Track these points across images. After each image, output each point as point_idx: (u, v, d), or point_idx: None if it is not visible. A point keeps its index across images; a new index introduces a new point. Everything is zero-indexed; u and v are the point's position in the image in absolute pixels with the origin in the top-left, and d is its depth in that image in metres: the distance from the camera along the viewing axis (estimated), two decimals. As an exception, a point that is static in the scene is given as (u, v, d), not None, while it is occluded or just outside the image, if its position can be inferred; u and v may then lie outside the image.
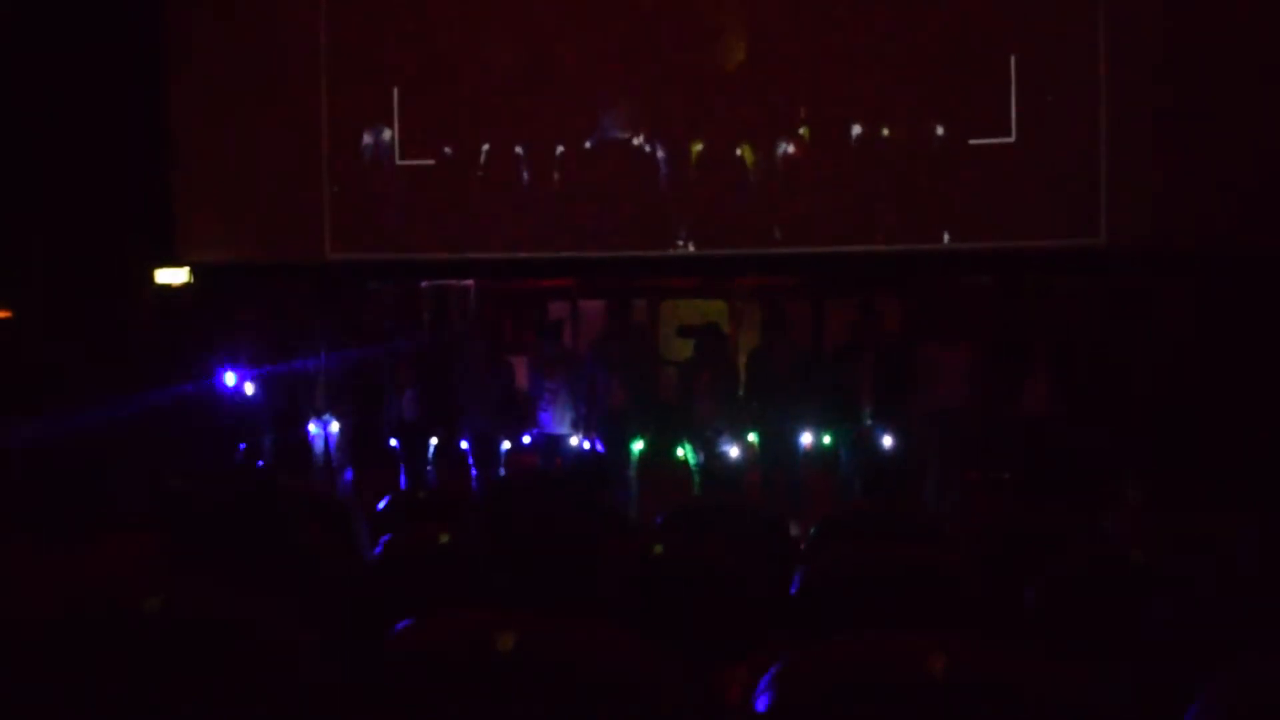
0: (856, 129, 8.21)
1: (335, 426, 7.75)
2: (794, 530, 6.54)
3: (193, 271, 8.83)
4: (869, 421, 7.49)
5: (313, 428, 7.75)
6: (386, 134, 8.73)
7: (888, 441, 7.42)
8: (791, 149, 8.30)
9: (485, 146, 8.62)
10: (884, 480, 7.27)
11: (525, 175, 8.57)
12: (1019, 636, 3.12)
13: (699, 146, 8.41)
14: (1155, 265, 7.65)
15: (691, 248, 8.48)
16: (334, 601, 3.28)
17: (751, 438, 7.57)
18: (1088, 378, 7.34)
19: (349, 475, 7.74)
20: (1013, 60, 7.90)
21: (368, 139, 8.76)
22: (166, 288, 8.77)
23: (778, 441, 7.53)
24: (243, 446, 7.77)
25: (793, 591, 3.43)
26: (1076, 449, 6.95)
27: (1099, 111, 7.78)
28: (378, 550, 4.24)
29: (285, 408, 7.79)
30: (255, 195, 8.75)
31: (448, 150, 8.67)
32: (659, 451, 7.46)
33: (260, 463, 7.59)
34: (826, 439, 7.50)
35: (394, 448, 7.84)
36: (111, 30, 8.33)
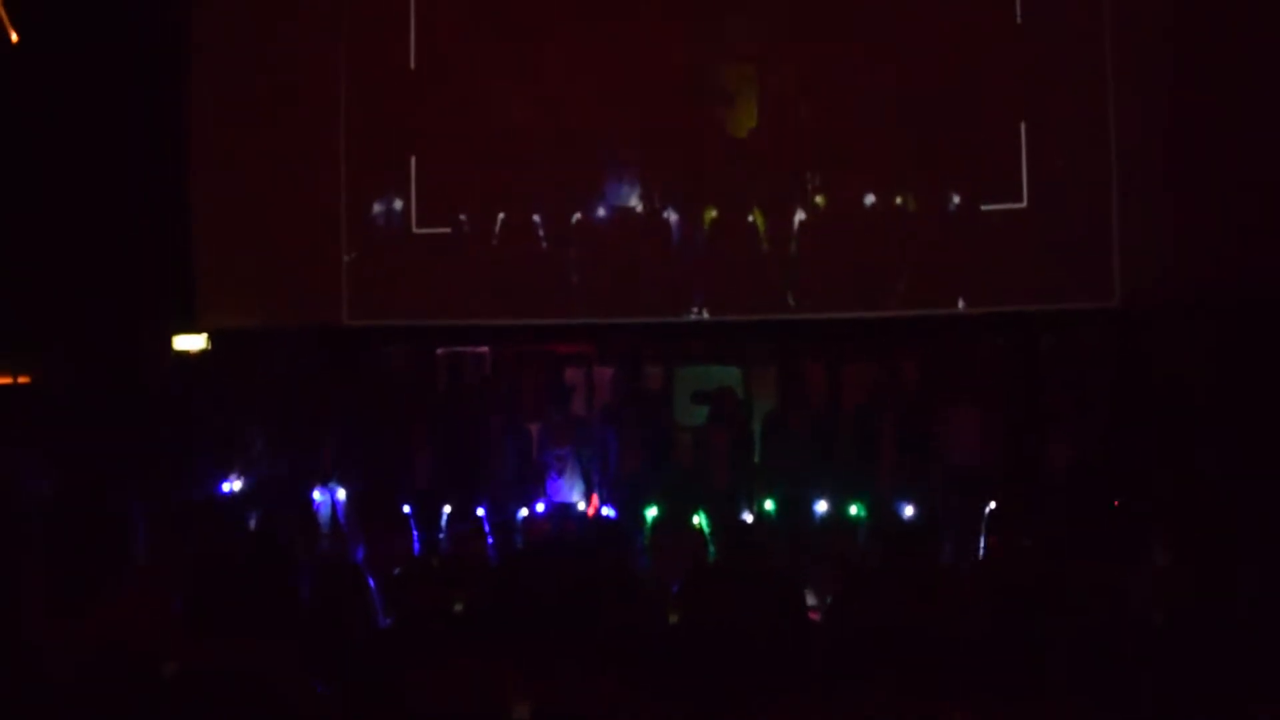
0: (869, 196, 8.27)
1: (343, 493, 7.74)
2: (811, 597, 6.47)
3: (211, 338, 8.89)
4: (887, 486, 7.43)
5: (317, 494, 7.74)
6: (403, 202, 8.83)
7: (906, 506, 7.35)
8: (804, 215, 8.36)
9: (501, 214, 8.71)
10: (902, 545, 7.19)
11: (541, 243, 8.64)
12: (1039, 697, 3.08)
13: (713, 213, 8.48)
14: (1169, 325, 7.65)
15: (706, 314, 8.51)
16: (349, 666, 3.26)
17: (768, 504, 7.51)
18: (1109, 437, 7.30)
19: (362, 541, 7.71)
20: (1023, 127, 7.98)
21: (384, 207, 8.86)
22: (185, 353, 8.83)
23: (794, 507, 7.47)
24: (255, 511, 7.76)
25: (809, 655, 3.39)
26: (1099, 509, 6.89)
27: (1110, 175, 7.84)
28: (392, 617, 4.22)
29: (298, 473, 7.80)
30: (273, 261, 8.84)
31: (463, 218, 8.76)
32: (673, 518, 7.41)
33: (274, 528, 7.57)
34: (844, 504, 7.44)
35: (408, 514, 7.80)
36: (132, 96, 8.50)
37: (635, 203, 8.59)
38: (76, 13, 8.29)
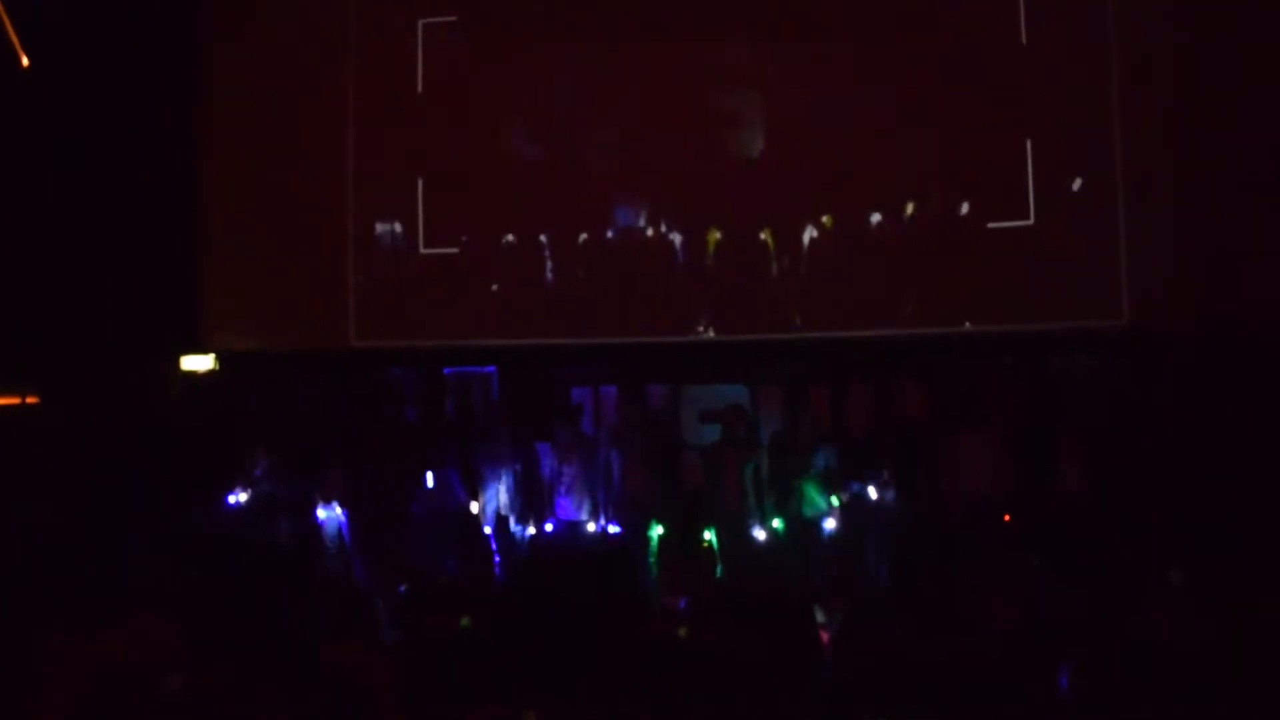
0: (876, 216, 8.27)
1: (349, 512, 7.74)
2: (819, 616, 6.44)
3: (218, 358, 8.90)
4: (895, 507, 7.40)
5: (322, 512, 7.75)
6: (410, 223, 8.85)
7: (915, 527, 7.32)
8: (811, 235, 8.36)
9: (508, 236, 8.72)
10: (911, 566, 7.16)
11: (548, 263, 8.65)
12: None
13: (719, 234, 8.49)
14: (1179, 345, 7.61)
15: (712, 333, 8.51)
16: (355, 685, 3.24)
17: (775, 522, 7.49)
18: (1120, 459, 7.25)
19: (369, 560, 7.70)
20: (1029, 145, 7.97)
21: (392, 228, 8.88)
22: (192, 374, 8.84)
23: (801, 526, 7.45)
24: (260, 531, 7.75)
25: (818, 674, 3.36)
26: (1112, 532, 6.85)
27: (1116, 193, 7.82)
28: (399, 634, 4.20)
29: (304, 493, 7.79)
30: (281, 283, 8.85)
31: (470, 239, 8.77)
32: (680, 536, 7.39)
33: (279, 547, 7.56)
34: (852, 524, 7.41)
35: (415, 533, 7.80)
36: (142, 119, 8.54)
37: (642, 224, 8.60)
38: (91, 35, 8.34)
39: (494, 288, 8.70)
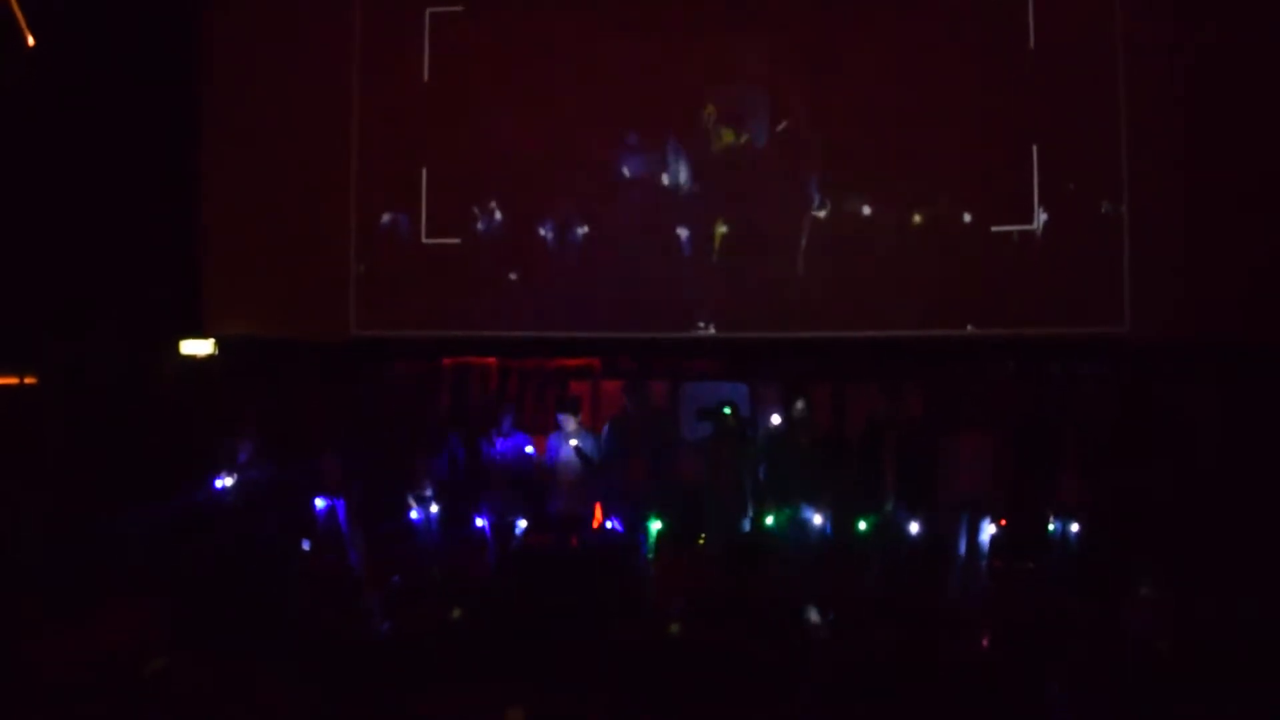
0: (880, 216, 8.26)
1: (345, 501, 7.73)
2: (814, 616, 6.44)
3: (218, 344, 8.90)
4: (891, 507, 7.39)
5: (319, 502, 7.74)
6: (413, 213, 8.84)
7: (911, 528, 7.31)
8: (814, 235, 8.35)
9: (510, 227, 8.71)
10: (907, 567, 7.16)
11: (550, 256, 8.65)
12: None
13: (722, 230, 8.48)
14: (1179, 353, 7.61)
15: (713, 330, 8.50)
16: (346, 674, 3.23)
17: (770, 520, 7.48)
18: (1115, 466, 7.25)
19: (363, 549, 7.69)
20: (1035, 149, 7.96)
21: (394, 218, 8.87)
22: (191, 358, 8.84)
23: (797, 525, 7.43)
24: (253, 518, 7.74)
25: (810, 673, 3.36)
26: (1102, 538, 6.85)
27: (1122, 200, 7.82)
28: (390, 624, 4.20)
29: (300, 481, 7.79)
30: (283, 270, 8.85)
31: (473, 229, 8.77)
32: (677, 533, 7.39)
33: (270, 535, 7.55)
34: (847, 523, 7.40)
35: (410, 523, 7.80)
36: (146, 103, 8.54)
37: (644, 217, 8.58)
38: (94, 24, 8.34)
39: (496, 279, 8.69)
